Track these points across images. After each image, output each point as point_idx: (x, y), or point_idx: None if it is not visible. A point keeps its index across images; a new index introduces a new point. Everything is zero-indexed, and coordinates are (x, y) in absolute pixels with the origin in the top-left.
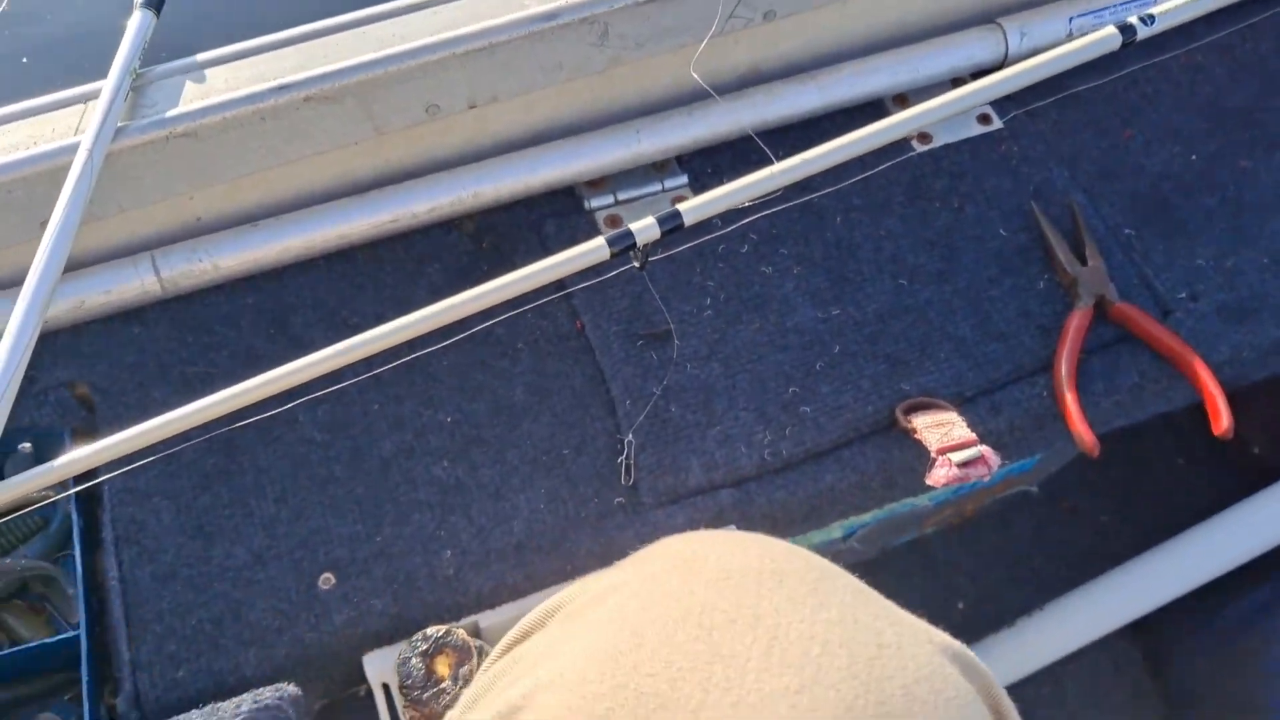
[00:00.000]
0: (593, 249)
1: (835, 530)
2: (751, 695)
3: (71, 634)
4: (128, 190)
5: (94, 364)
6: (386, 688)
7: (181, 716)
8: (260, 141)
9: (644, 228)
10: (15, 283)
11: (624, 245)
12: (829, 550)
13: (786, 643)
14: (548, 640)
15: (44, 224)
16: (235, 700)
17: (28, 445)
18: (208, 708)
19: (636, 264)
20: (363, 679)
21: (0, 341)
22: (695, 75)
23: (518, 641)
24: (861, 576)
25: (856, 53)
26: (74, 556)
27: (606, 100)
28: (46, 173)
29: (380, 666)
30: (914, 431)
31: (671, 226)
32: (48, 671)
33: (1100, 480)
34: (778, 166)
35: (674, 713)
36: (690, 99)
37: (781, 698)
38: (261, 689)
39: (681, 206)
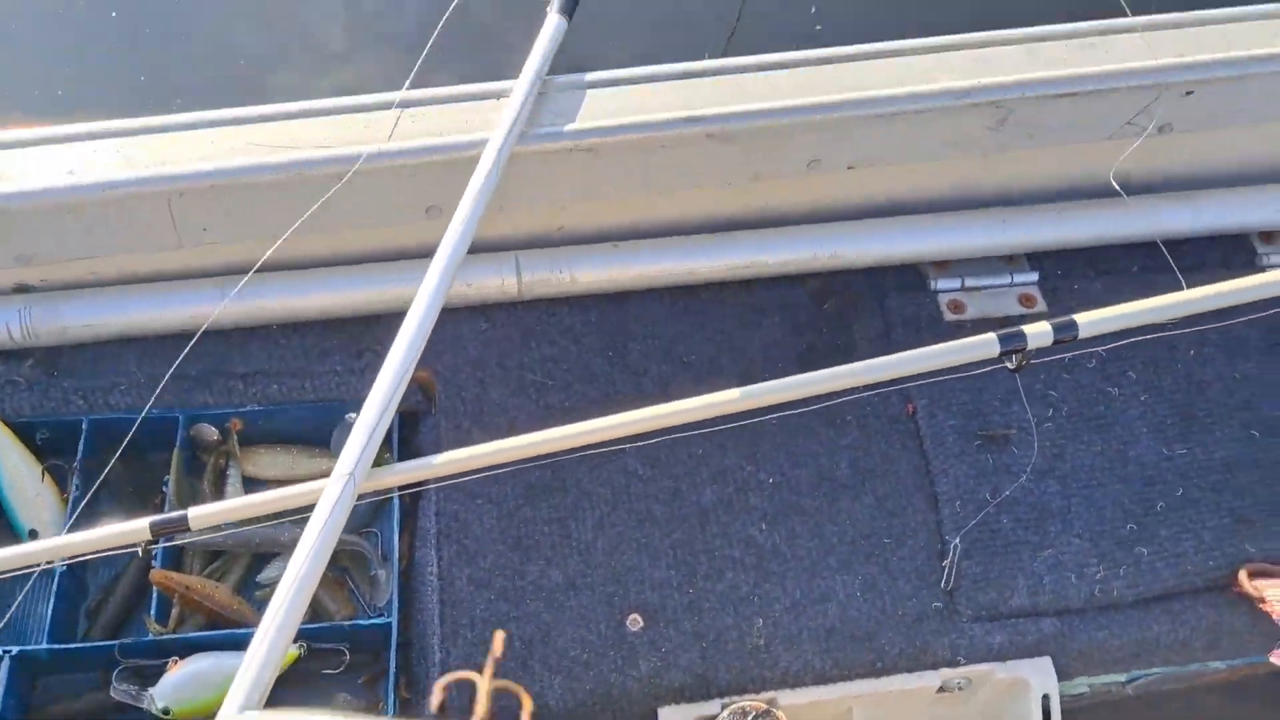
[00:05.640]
0: (979, 344)
1: (1121, 675)
2: None
3: (383, 620)
4: (512, 191)
5: (440, 353)
6: None
7: None
8: (648, 167)
9: (1038, 334)
10: (401, 256)
11: (1014, 346)
12: (1106, 691)
13: None
14: None
15: (429, 209)
16: None
17: (353, 415)
18: None
19: (1011, 365)
20: None
21: (406, 319)
22: (1114, 183)
23: None
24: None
25: (1232, 180)
26: (390, 543)
27: (977, 183)
28: (449, 163)
29: None
30: (1261, 600)
31: (1066, 336)
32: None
33: None
34: (1188, 295)
35: None
36: (1055, 197)
37: None
38: None
39: (1079, 318)
